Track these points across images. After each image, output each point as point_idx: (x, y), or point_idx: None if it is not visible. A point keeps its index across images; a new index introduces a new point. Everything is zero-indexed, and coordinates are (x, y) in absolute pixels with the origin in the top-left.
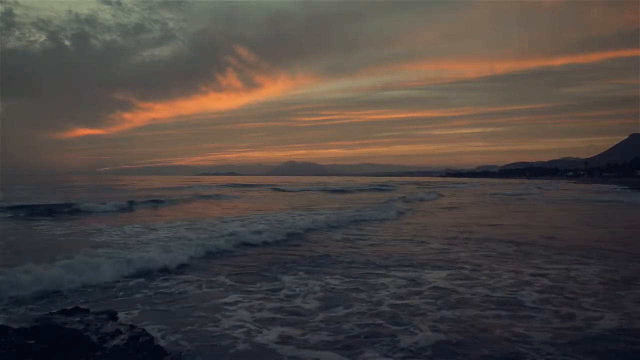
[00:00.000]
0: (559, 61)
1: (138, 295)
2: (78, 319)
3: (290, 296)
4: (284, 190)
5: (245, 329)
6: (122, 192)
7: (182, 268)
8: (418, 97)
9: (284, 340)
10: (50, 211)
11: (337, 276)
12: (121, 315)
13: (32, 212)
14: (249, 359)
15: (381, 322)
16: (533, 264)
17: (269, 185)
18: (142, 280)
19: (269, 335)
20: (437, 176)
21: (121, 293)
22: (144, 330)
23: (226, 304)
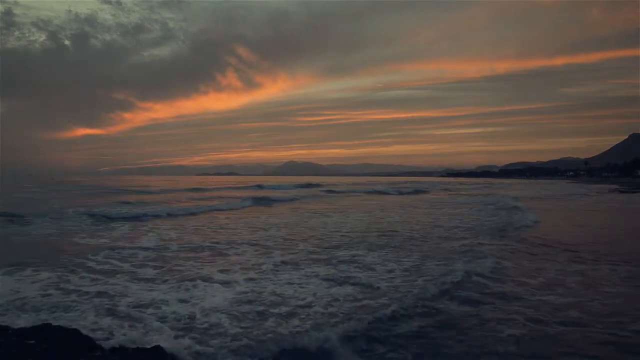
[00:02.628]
0: (559, 61)
1: None
2: (78, 319)
3: None
4: (335, 192)
5: None
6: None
7: None
8: (418, 97)
9: None
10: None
11: None
12: None
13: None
14: None
15: None
16: None
17: (309, 186)
18: None
19: None
20: (437, 176)
21: None
22: (144, 330)
23: None
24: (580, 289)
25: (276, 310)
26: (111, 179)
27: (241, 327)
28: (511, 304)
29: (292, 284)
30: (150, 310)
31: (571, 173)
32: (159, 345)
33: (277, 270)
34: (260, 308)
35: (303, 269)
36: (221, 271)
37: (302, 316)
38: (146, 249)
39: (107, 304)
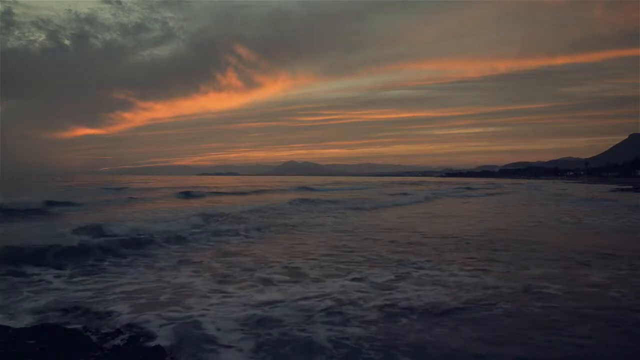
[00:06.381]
0: (560, 60)
1: None
2: (78, 318)
3: None
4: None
5: None
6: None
7: None
8: (418, 96)
9: None
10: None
11: None
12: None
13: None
14: None
15: None
16: None
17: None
18: None
19: None
20: (437, 176)
21: None
22: (144, 330)
23: None
24: None
25: None
26: (122, 178)
27: None
28: None
29: None
30: None
31: (571, 173)
32: (159, 345)
33: None
34: None
35: None
36: None
37: None
38: None
39: None
